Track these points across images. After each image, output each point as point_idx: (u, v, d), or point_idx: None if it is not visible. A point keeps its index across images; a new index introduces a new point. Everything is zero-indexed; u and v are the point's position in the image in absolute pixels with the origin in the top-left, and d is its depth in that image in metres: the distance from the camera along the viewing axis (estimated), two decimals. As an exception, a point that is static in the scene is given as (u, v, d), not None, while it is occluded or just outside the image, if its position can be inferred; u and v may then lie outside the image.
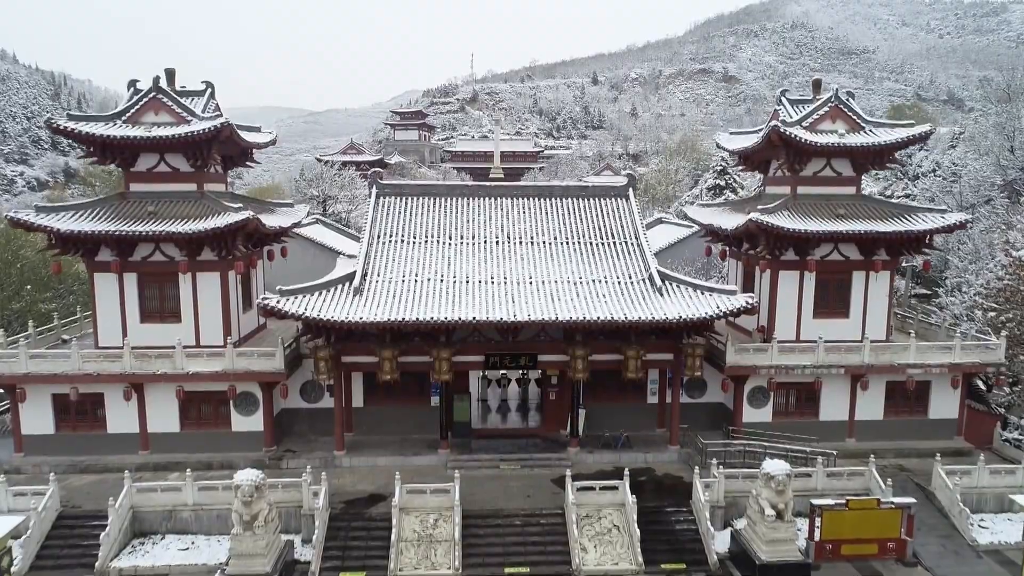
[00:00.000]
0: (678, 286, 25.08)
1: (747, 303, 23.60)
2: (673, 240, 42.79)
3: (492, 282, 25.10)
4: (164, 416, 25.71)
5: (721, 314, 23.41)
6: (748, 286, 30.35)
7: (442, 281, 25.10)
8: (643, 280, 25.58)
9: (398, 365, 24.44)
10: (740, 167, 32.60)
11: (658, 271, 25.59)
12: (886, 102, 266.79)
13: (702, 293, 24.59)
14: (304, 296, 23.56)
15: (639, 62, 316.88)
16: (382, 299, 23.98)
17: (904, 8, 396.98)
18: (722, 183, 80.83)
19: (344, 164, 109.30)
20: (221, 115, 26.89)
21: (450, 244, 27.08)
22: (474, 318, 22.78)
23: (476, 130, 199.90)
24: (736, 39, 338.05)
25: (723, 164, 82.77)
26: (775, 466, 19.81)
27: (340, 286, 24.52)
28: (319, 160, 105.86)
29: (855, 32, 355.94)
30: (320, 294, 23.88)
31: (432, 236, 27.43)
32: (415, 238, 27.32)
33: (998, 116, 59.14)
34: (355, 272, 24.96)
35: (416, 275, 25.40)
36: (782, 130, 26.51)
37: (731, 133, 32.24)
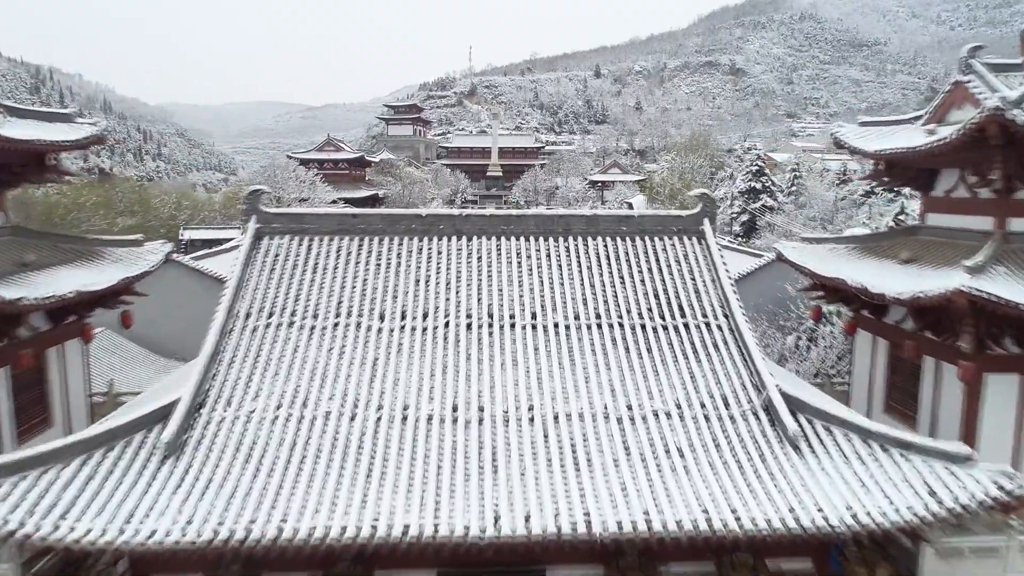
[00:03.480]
0: (828, 430, 12.42)
1: (1007, 490, 10.89)
2: (734, 276, 30.01)
3: (453, 420, 12.52)
4: None
5: (948, 514, 10.78)
6: (899, 382, 17.84)
7: (353, 418, 12.49)
8: (752, 412, 12.95)
9: (254, 606, 11.89)
10: (876, 181, 19.87)
11: (782, 393, 12.96)
12: (899, 96, 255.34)
13: (883, 448, 11.95)
14: (36, 477, 10.91)
15: (643, 55, 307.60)
16: (222, 470, 11.40)
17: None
18: (758, 186, 68.45)
19: (321, 163, 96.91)
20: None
21: (381, 331, 14.44)
22: (404, 532, 10.22)
23: (474, 125, 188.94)
24: (743, 31, 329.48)
25: (759, 164, 70.30)
26: None
27: (138, 438, 11.90)
28: (290, 157, 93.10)
29: (864, 24, 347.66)
30: (81, 467, 11.24)
31: (349, 313, 14.79)
32: (316, 318, 14.67)
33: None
34: (174, 404, 12.33)
35: (305, 402, 12.79)
36: (1009, 116, 13.88)
37: (862, 124, 19.51)
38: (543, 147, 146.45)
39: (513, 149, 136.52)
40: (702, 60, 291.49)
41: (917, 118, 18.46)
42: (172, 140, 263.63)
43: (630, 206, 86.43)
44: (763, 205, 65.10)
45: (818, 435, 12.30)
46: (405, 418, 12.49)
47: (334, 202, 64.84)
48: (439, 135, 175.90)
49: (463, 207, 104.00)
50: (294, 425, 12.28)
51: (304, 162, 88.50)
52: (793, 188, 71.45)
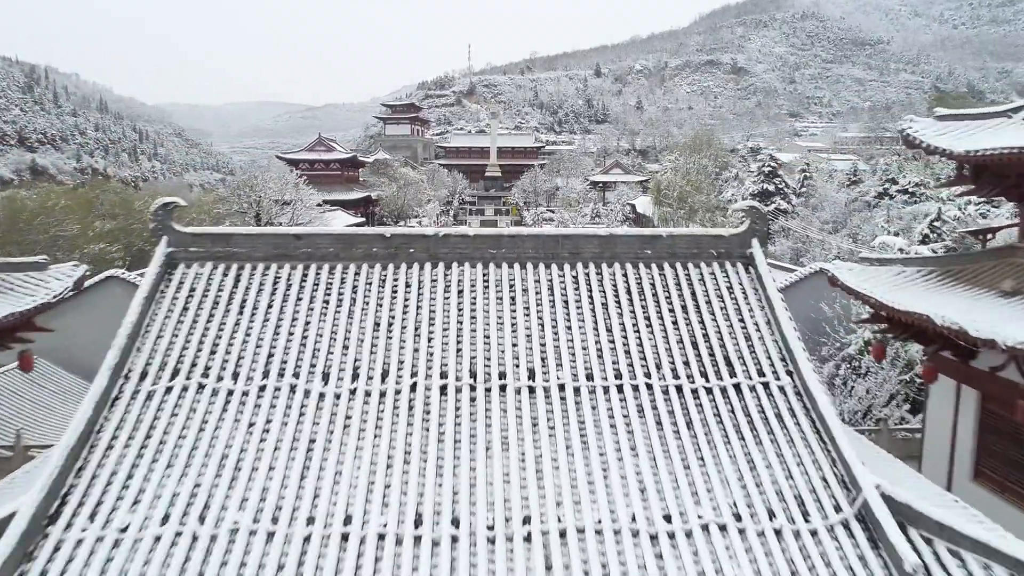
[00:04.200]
0: (957, 556, 8.57)
1: None
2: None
3: (415, 539, 8.68)
4: None
5: None
6: (995, 444, 14.05)
7: (270, 538, 8.65)
8: (842, 524, 9.11)
9: None
10: (961, 186, 16.02)
11: (884, 495, 9.13)
12: (903, 95, 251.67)
13: (1045, 590, 8.16)
14: None
15: (643, 53, 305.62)
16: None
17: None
18: (771, 187, 64.88)
19: (312, 163, 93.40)
20: None
21: (323, 397, 10.59)
22: None
23: (473, 124, 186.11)
24: (744, 30, 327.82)
25: (772, 165, 66.68)
26: None
27: (-57, 578, 8.13)
28: (280, 158, 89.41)
29: (867, 22, 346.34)
30: None
31: (282, 372, 10.94)
32: (236, 379, 10.81)
33: None
34: (7, 521, 8.51)
35: (204, 511, 8.95)
36: None
37: (939, 118, 15.65)
38: (543, 147, 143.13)
39: (512, 149, 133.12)
40: (703, 59, 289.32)
41: (1016, 109, 14.63)
42: (169, 140, 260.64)
43: (632, 208, 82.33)
44: (776, 208, 61.46)
45: (943, 565, 8.44)
46: (346, 536, 8.65)
47: (321, 204, 61.22)
48: (437, 135, 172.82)
49: (460, 208, 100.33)
50: (183, 550, 8.43)
51: (294, 162, 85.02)
52: (803, 189, 67.94)
